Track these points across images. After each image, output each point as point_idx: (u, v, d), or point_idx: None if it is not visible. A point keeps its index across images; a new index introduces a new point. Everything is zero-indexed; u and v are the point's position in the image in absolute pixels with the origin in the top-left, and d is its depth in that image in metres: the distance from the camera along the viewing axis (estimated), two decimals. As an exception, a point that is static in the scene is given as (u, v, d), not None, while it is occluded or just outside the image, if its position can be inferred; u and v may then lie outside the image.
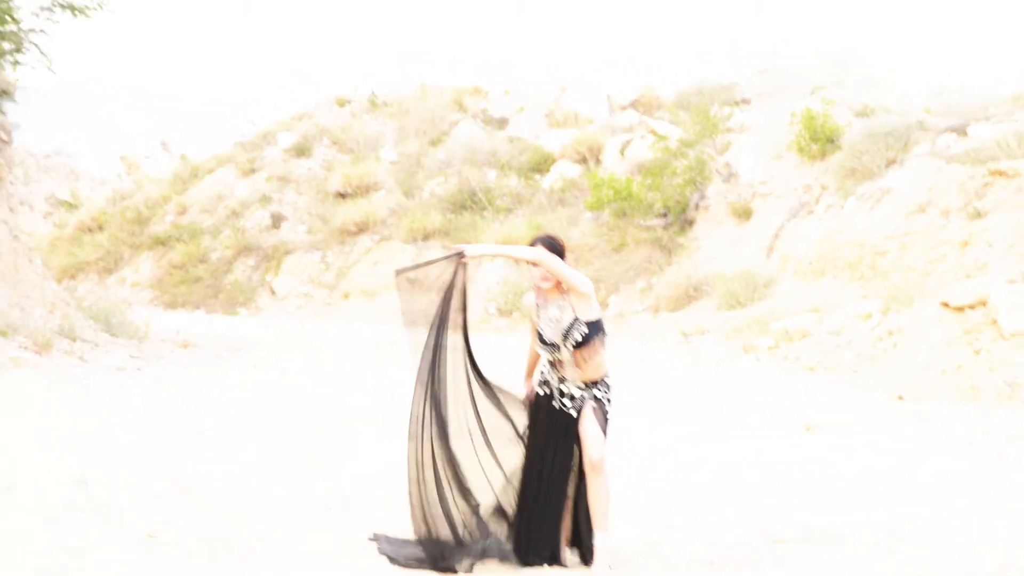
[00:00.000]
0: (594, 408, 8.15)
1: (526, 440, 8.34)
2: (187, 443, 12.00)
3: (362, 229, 41.76)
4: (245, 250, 42.96)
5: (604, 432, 8.14)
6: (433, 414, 8.12)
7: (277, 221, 44.24)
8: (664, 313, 30.16)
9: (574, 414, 8.15)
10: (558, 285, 8.18)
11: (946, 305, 19.97)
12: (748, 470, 11.95)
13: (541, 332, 8.22)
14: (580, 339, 8.09)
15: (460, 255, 8.17)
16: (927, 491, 11.06)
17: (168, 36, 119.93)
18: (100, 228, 48.42)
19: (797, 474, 11.70)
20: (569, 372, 8.20)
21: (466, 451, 8.26)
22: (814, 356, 21.98)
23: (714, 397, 18.07)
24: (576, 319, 8.10)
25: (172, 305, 41.01)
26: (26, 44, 22.99)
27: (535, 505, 8.21)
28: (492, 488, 8.35)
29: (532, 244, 8.21)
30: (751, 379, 20.47)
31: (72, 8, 22.77)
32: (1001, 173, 24.37)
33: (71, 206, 56.41)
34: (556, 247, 8.18)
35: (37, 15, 22.91)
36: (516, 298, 32.42)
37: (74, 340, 21.40)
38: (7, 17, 22.57)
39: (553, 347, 8.17)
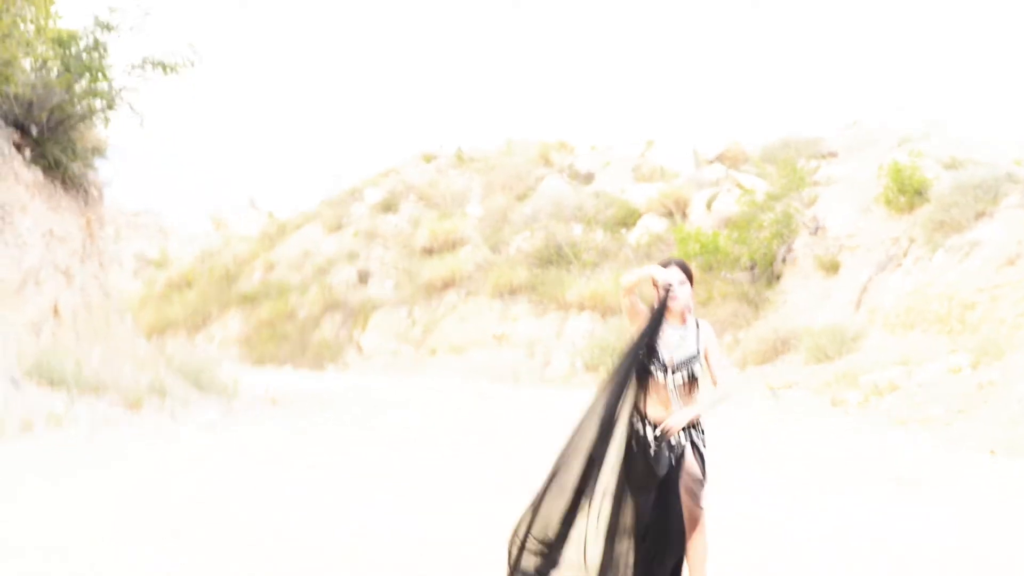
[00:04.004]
0: (694, 457, 7.55)
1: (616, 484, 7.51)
2: (278, 500, 12.07)
3: (448, 284, 41.96)
4: (332, 307, 43.33)
5: (704, 482, 7.59)
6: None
7: (364, 277, 44.56)
8: (751, 367, 29.98)
9: (673, 462, 7.46)
10: (684, 310, 7.69)
11: (1038, 358, 19.75)
12: (841, 526, 11.80)
13: (657, 350, 7.60)
14: (694, 376, 7.60)
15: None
16: None
17: (256, 92, 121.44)
18: (189, 285, 49.10)
19: (890, 532, 11.53)
20: (669, 404, 7.56)
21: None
22: (904, 410, 21.74)
23: (803, 452, 17.88)
24: (698, 353, 7.63)
25: (260, 361, 41.37)
26: (118, 102, 23.36)
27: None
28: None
29: (666, 265, 7.72)
30: (840, 434, 20.25)
31: (163, 66, 23.08)
32: (1092, 224, 24.13)
33: (160, 264, 57.20)
34: (689, 272, 7.78)
35: (128, 73, 23.28)
36: (602, 354, 32.31)
37: (164, 397, 21.58)
38: (100, 75, 22.97)
39: (664, 369, 7.57)
